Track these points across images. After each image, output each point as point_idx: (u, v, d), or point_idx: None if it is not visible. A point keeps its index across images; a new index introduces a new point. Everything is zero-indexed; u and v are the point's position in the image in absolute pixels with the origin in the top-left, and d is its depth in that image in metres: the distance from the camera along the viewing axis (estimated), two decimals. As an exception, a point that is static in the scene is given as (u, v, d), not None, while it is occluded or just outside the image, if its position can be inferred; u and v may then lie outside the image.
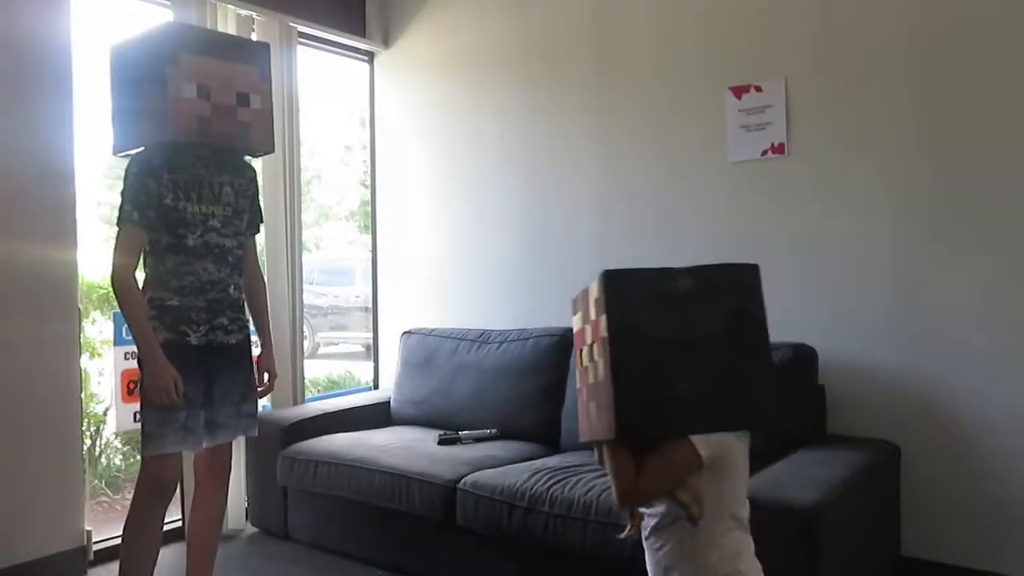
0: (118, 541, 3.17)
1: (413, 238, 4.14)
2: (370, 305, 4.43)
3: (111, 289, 2.28)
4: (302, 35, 3.85)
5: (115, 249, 2.25)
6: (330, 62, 4.28)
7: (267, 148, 2.50)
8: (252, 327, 2.54)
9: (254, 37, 3.60)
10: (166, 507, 2.35)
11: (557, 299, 3.60)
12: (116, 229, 2.27)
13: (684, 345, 1.40)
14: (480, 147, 3.89)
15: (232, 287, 2.41)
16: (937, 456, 2.73)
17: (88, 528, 3.09)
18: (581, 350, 1.63)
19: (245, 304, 2.50)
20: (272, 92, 2.49)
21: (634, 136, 3.39)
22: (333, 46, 4.10)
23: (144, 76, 2.26)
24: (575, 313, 1.68)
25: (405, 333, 3.88)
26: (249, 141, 2.41)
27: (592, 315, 1.52)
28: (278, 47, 3.64)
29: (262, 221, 2.60)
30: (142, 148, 2.34)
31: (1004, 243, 2.62)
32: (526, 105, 3.73)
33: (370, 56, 4.28)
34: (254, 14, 3.59)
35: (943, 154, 2.72)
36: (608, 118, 3.46)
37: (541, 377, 3.31)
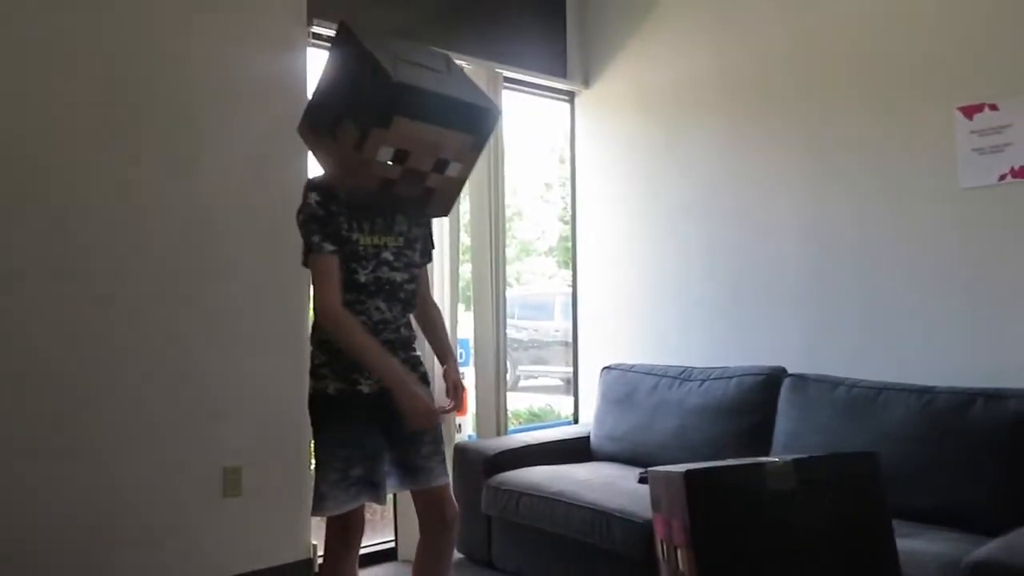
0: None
1: (612, 273, 4.15)
2: (570, 339, 4.48)
3: (325, 327, 2.07)
4: (507, 80, 4.03)
5: (316, 283, 2.05)
6: (532, 103, 4.44)
7: (442, 215, 2.27)
8: (422, 357, 2.33)
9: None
10: (358, 550, 2.18)
11: (761, 336, 3.47)
12: (309, 262, 2.07)
13: (782, 552, 1.23)
14: (681, 181, 3.85)
15: (403, 326, 2.21)
16: None
17: (314, 542, 3.34)
18: (663, 543, 1.46)
19: (415, 338, 2.32)
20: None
21: (844, 163, 3.21)
22: (536, 88, 4.25)
23: (349, 109, 2.01)
24: (652, 493, 1.51)
25: (605, 368, 3.89)
26: (427, 206, 2.17)
27: (673, 511, 1.36)
28: (484, 91, 3.83)
29: (433, 247, 2.38)
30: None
31: None
32: (728, 136, 3.65)
33: (571, 96, 4.39)
34: (464, 63, 3.80)
35: None
36: (815, 146, 3.31)
37: (746, 418, 3.18)
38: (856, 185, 3.18)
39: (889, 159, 3.07)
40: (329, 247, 2.03)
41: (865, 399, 2.82)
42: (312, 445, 2.13)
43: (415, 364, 2.24)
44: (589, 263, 4.32)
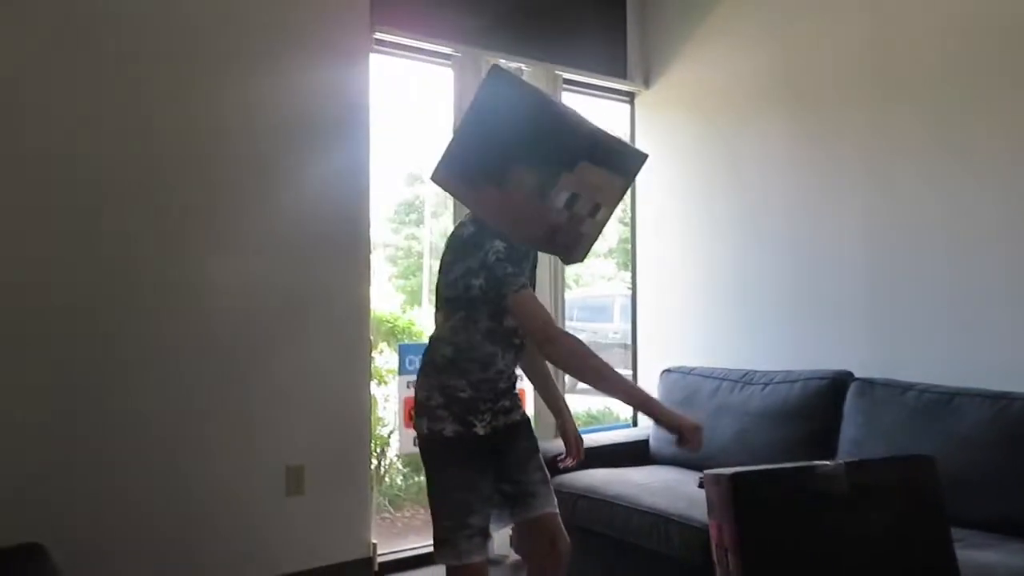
0: (399, 555, 3.48)
1: (673, 275, 4.11)
2: (629, 341, 4.45)
3: (557, 355, 1.94)
4: (567, 81, 4.02)
5: (531, 315, 1.91)
6: (592, 104, 4.42)
7: (579, 261, 2.16)
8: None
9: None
10: None
11: (825, 339, 3.39)
12: (513, 298, 1.91)
13: (832, 558, 1.17)
14: (742, 182, 3.79)
15: (514, 372, 2.16)
16: None
17: (374, 541, 3.40)
18: (716, 547, 1.41)
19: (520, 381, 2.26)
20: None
21: (918, 156, 3.11)
22: (596, 89, 4.24)
23: (528, 156, 1.93)
24: (707, 497, 1.48)
25: (665, 371, 3.85)
26: (573, 253, 2.09)
27: (723, 514, 1.34)
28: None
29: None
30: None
31: None
32: (792, 133, 3.58)
33: (631, 96, 4.36)
34: (523, 65, 3.82)
35: None
36: (885, 140, 3.21)
37: (809, 422, 3.10)
38: (931, 179, 3.07)
39: (971, 148, 2.95)
40: (524, 280, 1.95)
41: (936, 404, 2.73)
42: (429, 488, 2.05)
43: (518, 403, 2.20)
44: (649, 265, 4.28)
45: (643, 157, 2.11)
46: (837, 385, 3.09)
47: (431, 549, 2.01)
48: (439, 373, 2.05)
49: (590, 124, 1.99)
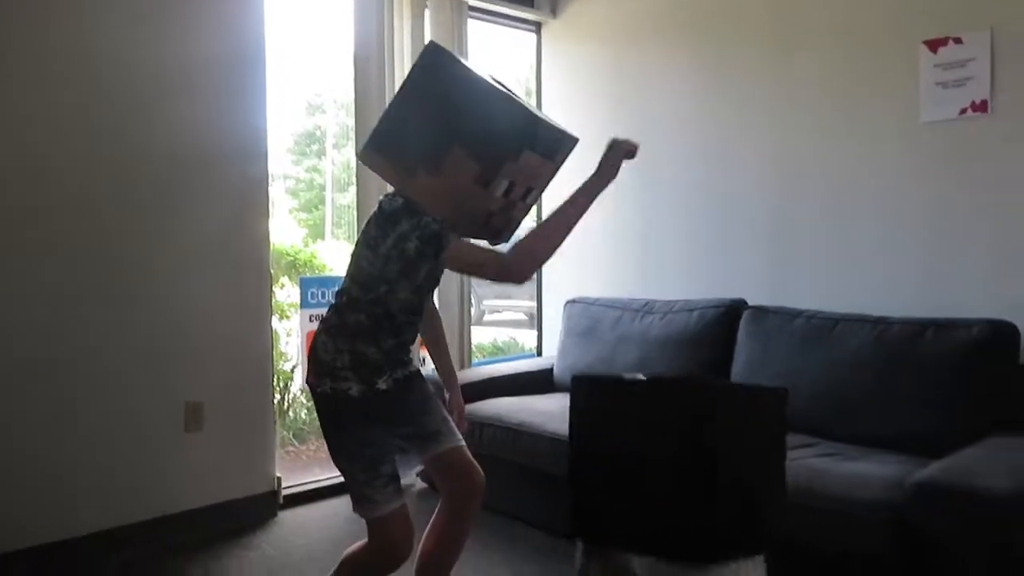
0: (305, 488, 3.48)
1: (577, 207, 4.13)
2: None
3: (527, 270, 1.92)
4: (472, 8, 3.92)
5: (477, 264, 1.93)
6: (498, 33, 4.34)
7: (505, 241, 2.14)
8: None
9: (427, 13, 3.71)
10: (393, 571, 2.03)
11: (724, 270, 3.51)
12: (452, 250, 1.88)
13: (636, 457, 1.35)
14: (648, 115, 3.82)
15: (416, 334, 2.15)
16: None
17: (278, 475, 3.37)
18: None
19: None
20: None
21: (812, 98, 3.20)
22: (502, 18, 4.15)
23: (468, 141, 1.87)
24: None
25: (569, 302, 3.91)
26: (501, 236, 2.09)
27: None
28: (449, 21, 3.74)
29: None
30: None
31: None
32: (697, 69, 3.62)
33: (537, 26, 4.30)
34: (427, -10, 3.69)
35: None
36: (784, 80, 3.29)
37: (706, 348, 3.23)
38: (821, 120, 3.18)
39: (857, 94, 3.07)
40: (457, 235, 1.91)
41: (822, 329, 2.88)
42: (333, 447, 2.02)
43: (412, 358, 2.19)
44: (553, 197, 4.28)
45: (575, 141, 2.10)
46: (732, 313, 3.22)
47: (336, 481, 2.01)
48: (351, 338, 1.98)
49: (531, 108, 1.96)
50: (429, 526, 2.15)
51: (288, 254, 5.66)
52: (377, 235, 1.95)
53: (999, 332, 2.51)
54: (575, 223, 1.94)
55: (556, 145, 2.02)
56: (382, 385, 2.00)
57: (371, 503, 1.95)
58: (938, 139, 2.85)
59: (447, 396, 2.32)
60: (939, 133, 2.85)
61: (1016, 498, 1.88)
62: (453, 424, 2.17)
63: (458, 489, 2.13)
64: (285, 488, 3.41)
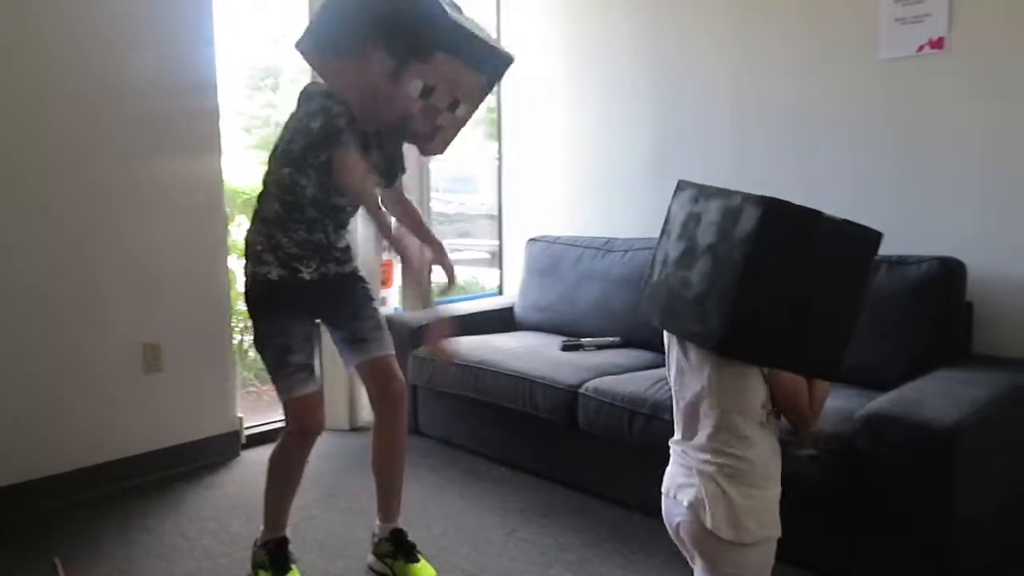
0: (266, 427, 3.48)
1: (539, 145, 4.10)
2: (496, 212, 4.47)
3: (351, 189, 2.04)
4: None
5: (348, 174, 2.01)
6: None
7: (439, 153, 2.28)
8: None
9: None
10: (310, 449, 2.21)
11: (685, 207, 3.51)
12: (336, 153, 2.00)
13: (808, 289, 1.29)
14: (609, 49, 3.76)
15: (343, 238, 2.27)
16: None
17: (240, 415, 3.37)
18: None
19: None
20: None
21: (776, 34, 3.18)
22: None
23: (386, 37, 1.95)
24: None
25: (530, 240, 3.91)
26: (431, 144, 2.20)
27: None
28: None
29: (404, 172, 2.37)
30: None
31: None
32: (658, 2, 3.56)
33: (496, -44, 4.18)
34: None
35: None
36: (747, 14, 3.25)
37: (666, 287, 3.26)
38: (782, 54, 3.16)
39: (819, 29, 3.04)
40: (355, 151, 2.03)
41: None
42: (254, 331, 2.14)
43: (351, 257, 2.31)
44: (515, 135, 4.25)
45: (508, 59, 2.14)
46: (691, 251, 3.24)
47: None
48: (268, 225, 2.13)
49: (456, 17, 2.00)
50: (373, 432, 2.35)
51: (244, 193, 5.53)
52: (292, 112, 2.12)
53: (947, 269, 2.57)
54: (372, 218, 2.06)
55: (481, 56, 2.07)
56: (307, 275, 2.14)
57: (283, 388, 2.11)
58: (896, 76, 2.86)
59: (434, 255, 2.30)
60: (897, 70, 2.85)
61: (962, 428, 1.95)
62: (386, 333, 2.30)
63: (378, 395, 2.29)
64: (247, 428, 3.41)
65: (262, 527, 2.27)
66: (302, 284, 2.13)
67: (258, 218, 2.15)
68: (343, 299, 2.26)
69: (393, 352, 2.31)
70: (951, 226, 2.74)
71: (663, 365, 3.05)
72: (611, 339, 3.28)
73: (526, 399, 2.94)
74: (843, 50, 2.98)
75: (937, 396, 2.15)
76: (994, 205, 2.67)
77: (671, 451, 1.56)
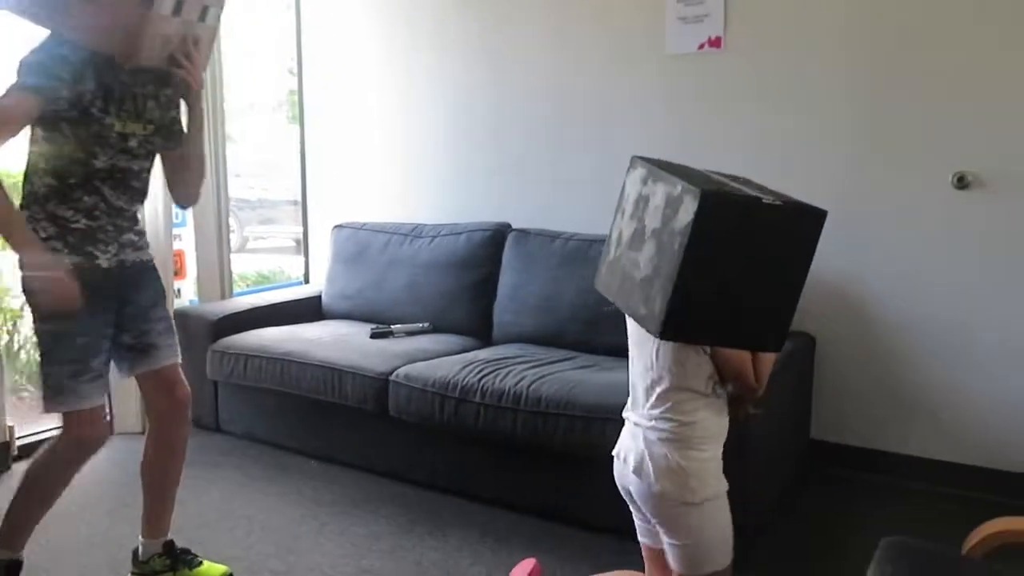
0: (42, 437, 3.16)
1: (342, 129, 4.00)
2: (299, 198, 4.32)
3: None
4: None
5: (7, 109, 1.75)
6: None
7: (200, 87, 2.04)
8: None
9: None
10: (85, 463, 2.01)
11: (491, 193, 3.58)
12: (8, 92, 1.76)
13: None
14: (413, 33, 3.73)
15: (132, 217, 2.05)
16: (848, 348, 2.88)
17: (10, 424, 3.03)
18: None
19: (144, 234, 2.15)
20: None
21: (576, 23, 3.29)
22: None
23: None
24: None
25: (336, 227, 3.81)
26: (194, 72, 1.98)
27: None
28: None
29: (183, 131, 2.12)
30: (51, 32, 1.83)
31: (931, 159, 2.70)
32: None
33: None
34: None
35: (890, 55, 2.73)
36: (553, 9, 3.35)
37: (474, 271, 3.31)
38: (587, 46, 3.27)
39: (617, 25, 3.19)
40: (37, 84, 1.75)
41: (578, 250, 3.06)
42: (41, 332, 1.90)
43: (147, 242, 2.11)
44: (318, 119, 4.11)
45: None
46: (497, 236, 3.32)
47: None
48: (45, 202, 1.89)
49: None
50: (147, 438, 2.15)
51: (10, 175, 4.96)
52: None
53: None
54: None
55: None
56: (104, 262, 1.94)
57: (74, 395, 1.89)
58: (681, 72, 3.07)
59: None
60: (682, 66, 3.06)
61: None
62: (174, 334, 2.14)
63: (166, 405, 2.12)
64: (19, 438, 3.07)
65: None
66: (101, 273, 1.94)
67: (30, 199, 1.93)
68: (136, 297, 2.05)
69: (180, 359, 2.15)
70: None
71: (472, 349, 3.11)
72: (420, 325, 3.28)
73: (335, 389, 2.87)
74: (637, 45, 3.15)
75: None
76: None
77: (625, 420, 1.65)
